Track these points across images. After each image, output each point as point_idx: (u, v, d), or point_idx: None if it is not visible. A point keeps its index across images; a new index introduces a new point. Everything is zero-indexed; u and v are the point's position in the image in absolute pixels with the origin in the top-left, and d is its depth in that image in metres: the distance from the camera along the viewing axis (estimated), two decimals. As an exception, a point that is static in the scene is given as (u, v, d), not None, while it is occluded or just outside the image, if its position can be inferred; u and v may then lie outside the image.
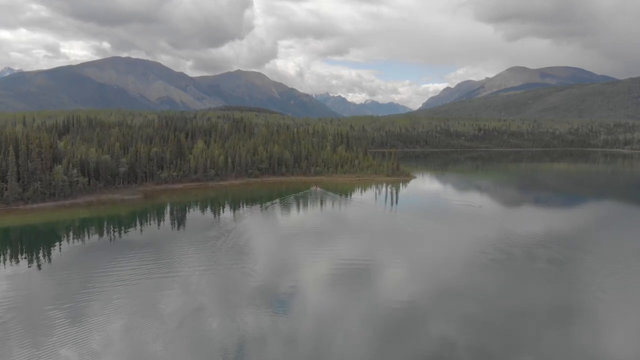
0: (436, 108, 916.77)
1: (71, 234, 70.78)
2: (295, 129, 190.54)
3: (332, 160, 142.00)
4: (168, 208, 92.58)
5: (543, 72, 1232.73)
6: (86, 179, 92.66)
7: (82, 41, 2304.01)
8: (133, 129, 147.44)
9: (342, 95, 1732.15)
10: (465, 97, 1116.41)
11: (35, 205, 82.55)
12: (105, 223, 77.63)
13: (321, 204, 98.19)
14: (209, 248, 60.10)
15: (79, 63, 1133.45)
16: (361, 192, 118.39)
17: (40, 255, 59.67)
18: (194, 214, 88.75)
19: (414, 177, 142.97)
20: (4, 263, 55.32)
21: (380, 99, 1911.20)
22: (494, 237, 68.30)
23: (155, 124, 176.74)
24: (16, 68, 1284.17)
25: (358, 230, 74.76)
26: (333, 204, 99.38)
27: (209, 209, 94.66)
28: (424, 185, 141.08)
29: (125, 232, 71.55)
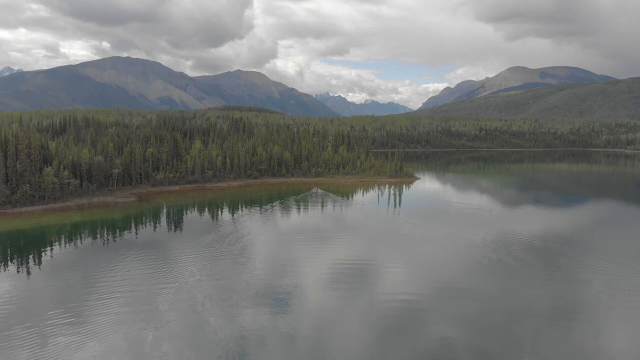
0: (436, 108, 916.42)
1: (61, 239, 67.11)
2: (296, 129, 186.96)
3: (334, 161, 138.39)
4: (163, 211, 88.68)
5: (543, 72, 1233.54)
6: (78, 181, 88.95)
7: (82, 41, 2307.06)
8: (130, 129, 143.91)
9: (342, 95, 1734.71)
10: (465, 97, 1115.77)
11: (23, 209, 78.86)
12: (97, 227, 73.97)
13: (323, 206, 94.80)
14: (207, 253, 57.57)
15: (78, 63, 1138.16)
16: (364, 194, 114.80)
17: (30, 261, 56.62)
18: (190, 218, 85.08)
19: (418, 179, 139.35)
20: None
21: (380, 98, 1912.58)
22: (509, 242, 65.55)
23: (153, 123, 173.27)
24: (16, 68, 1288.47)
25: (363, 237, 70.98)
26: (335, 206, 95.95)
27: (206, 212, 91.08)
28: (429, 187, 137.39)
29: (118, 237, 67.97)
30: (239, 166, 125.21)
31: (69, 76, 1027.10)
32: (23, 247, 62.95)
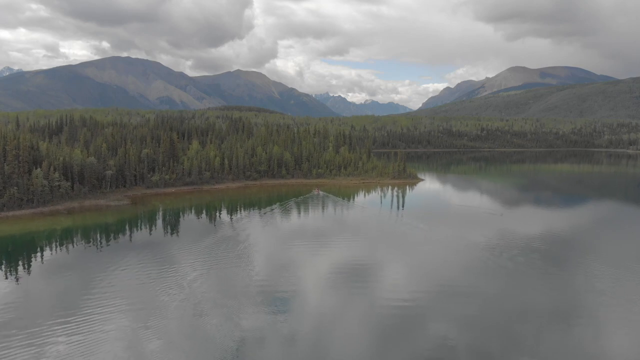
0: (436, 108, 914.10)
1: (51, 245, 63.69)
2: (296, 129, 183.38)
3: (335, 162, 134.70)
4: (158, 215, 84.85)
5: (543, 72, 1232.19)
6: (69, 184, 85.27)
7: (82, 41, 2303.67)
8: (127, 129, 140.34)
9: (342, 95, 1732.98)
10: (466, 97, 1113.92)
11: (10, 213, 75.07)
12: (88, 232, 70.31)
13: (325, 209, 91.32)
14: (204, 259, 54.72)
15: (78, 63, 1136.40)
16: (367, 196, 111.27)
17: (19, 268, 53.58)
18: (186, 222, 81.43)
19: (422, 180, 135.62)
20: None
21: (380, 98, 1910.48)
22: (516, 245, 63.35)
23: (150, 123, 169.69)
24: (16, 68, 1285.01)
25: (367, 241, 67.45)
26: (337, 209, 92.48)
27: (203, 215, 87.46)
28: (434, 189, 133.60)
29: (111, 242, 64.39)
30: (238, 167, 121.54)
31: (68, 76, 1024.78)
32: (11, 254, 59.63)
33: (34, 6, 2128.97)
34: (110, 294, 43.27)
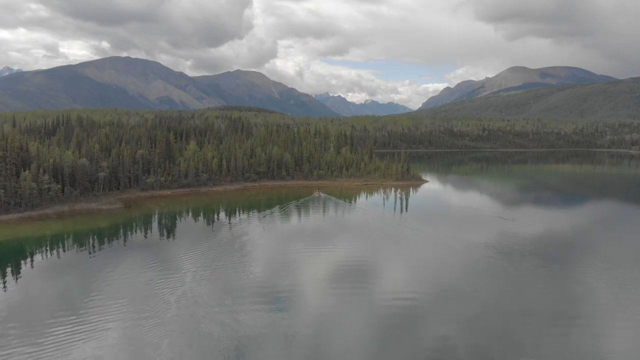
0: (436, 108, 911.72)
1: (40, 251, 60.10)
2: (296, 129, 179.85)
3: (336, 163, 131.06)
4: (152, 219, 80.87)
5: (543, 72, 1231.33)
6: (59, 186, 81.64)
7: (82, 41, 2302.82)
8: (123, 129, 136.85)
9: (342, 95, 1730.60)
10: (466, 97, 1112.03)
11: (-4, 218, 71.59)
12: (77, 238, 66.70)
13: (328, 213, 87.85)
14: (201, 266, 51.57)
15: (78, 63, 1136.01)
16: (371, 198, 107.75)
17: (6, 277, 50.26)
18: (181, 226, 77.74)
19: (426, 182, 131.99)
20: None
21: (380, 98, 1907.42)
22: (522, 247, 62.00)
23: (148, 123, 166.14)
24: (15, 68, 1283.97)
25: (374, 248, 63.69)
26: (341, 213, 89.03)
27: (199, 219, 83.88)
28: (439, 191, 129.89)
29: (101, 249, 60.73)
30: (236, 169, 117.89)
31: (68, 76, 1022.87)
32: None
33: (33, 6, 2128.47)
34: (103, 302, 41.67)
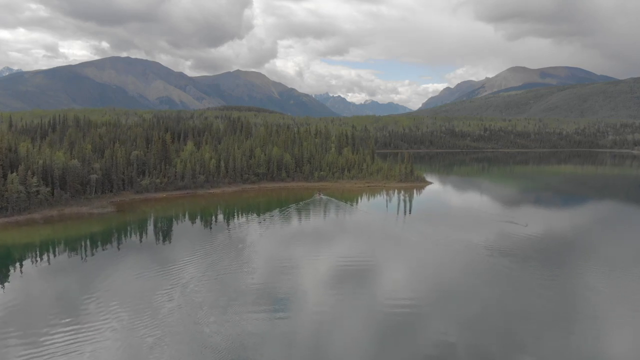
0: (436, 108, 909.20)
1: (24, 260, 56.43)
2: (296, 129, 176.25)
3: (338, 164, 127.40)
4: (144, 224, 76.53)
5: (543, 72, 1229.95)
6: (49, 189, 78.00)
7: (81, 41, 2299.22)
8: (120, 129, 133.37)
9: (342, 95, 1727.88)
10: (466, 97, 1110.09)
11: (-19, 223, 67.97)
12: (65, 245, 63.16)
13: (331, 216, 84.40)
14: (197, 275, 48.13)
15: (78, 63, 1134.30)
16: (374, 201, 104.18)
17: None
18: (175, 231, 74.13)
19: (430, 183, 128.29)
20: None
21: (380, 98, 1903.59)
22: (524, 249, 60.47)
23: (145, 123, 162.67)
24: (15, 68, 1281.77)
25: (384, 258, 60.23)
26: (345, 216, 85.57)
27: (196, 222, 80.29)
28: (444, 193, 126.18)
29: (88, 257, 57.13)
30: (235, 170, 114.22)
31: (68, 76, 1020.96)
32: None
33: (33, 6, 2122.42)
34: (97, 310, 40.00)
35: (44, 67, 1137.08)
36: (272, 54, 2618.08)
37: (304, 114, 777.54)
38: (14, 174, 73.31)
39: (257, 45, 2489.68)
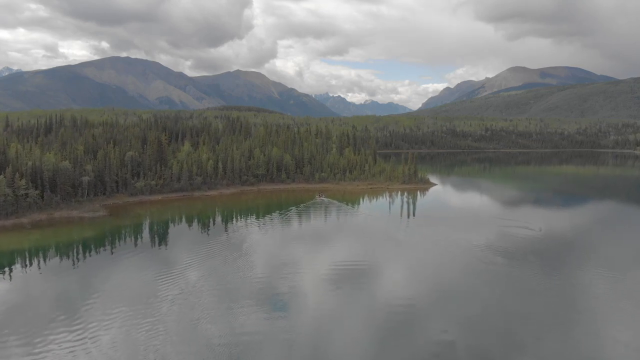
0: (437, 108, 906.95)
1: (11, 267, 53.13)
2: (296, 129, 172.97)
3: (339, 165, 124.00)
4: (135, 229, 72.58)
5: (543, 72, 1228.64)
6: (38, 192, 74.64)
7: (81, 41, 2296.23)
8: (117, 129, 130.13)
9: (342, 95, 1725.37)
10: (466, 97, 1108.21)
11: (-35, 228, 64.60)
12: (51, 252, 59.87)
13: (333, 220, 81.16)
14: (193, 287, 45.02)
15: (77, 63, 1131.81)
16: (377, 203, 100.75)
17: None
18: (171, 235, 70.82)
19: (434, 185, 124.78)
20: None
21: (380, 98, 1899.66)
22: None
23: (142, 124, 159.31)
24: (15, 68, 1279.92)
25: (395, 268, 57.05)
26: (346, 219, 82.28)
27: (192, 226, 76.92)
28: (451, 196, 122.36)
29: (79, 262, 53.90)
30: (233, 171, 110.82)
31: (68, 76, 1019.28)
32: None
33: (33, 6, 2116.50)
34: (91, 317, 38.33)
35: (44, 67, 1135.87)
36: (272, 54, 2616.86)
37: (303, 114, 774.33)
38: (1, 175, 69.97)
39: (257, 45, 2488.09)
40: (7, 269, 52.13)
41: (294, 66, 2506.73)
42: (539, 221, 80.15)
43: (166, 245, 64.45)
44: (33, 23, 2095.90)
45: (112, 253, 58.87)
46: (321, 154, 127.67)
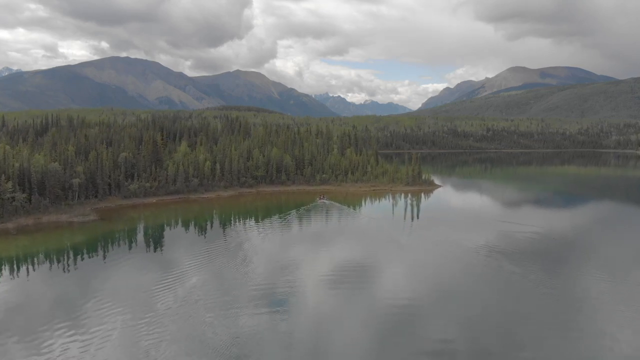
0: (437, 108, 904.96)
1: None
2: (296, 129, 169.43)
3: (341, 166, 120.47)
4: (126, 234, 69.01)
5: (543, 72, 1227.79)
6: (26, 195, 71.05)
7: (81, 41, 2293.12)
8: (113, 130, 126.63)
9: (342, 95, 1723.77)
10: (466, 97, 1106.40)
11: (-54, 233, 61.03)
12: (33, 261, 56.31)
13: (336, 223, 77.72)
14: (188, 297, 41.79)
15: (77, 63, 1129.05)
16: (381, 206, 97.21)
17: None
18: (166, 239, 67.22)
19: (439, 187, 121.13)
20: None
21: (380, 98, 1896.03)
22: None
23: (140, 123, 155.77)
24: (14, 68, 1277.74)
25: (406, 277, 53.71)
26: (352, 222, 78.88)
27: (187, 230, 73.42)
28: (455, 197, 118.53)
29: (57, 278, 50.35)
30: (231, 173, 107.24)
31: (67, 76, 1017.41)
32: None
33: (32, 6, 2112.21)
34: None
35: (44, 67, 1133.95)
36: (272, 54, 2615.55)
37: (303, 114, 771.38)
38: (-14, 178, 66.45)
39: (256, 45, 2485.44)
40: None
41: (293, 66, 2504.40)
42: (541, 221, 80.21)
43: (161, 249, 61.39)
44: (33, 23, 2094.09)
45: (104, 259, 55.58)
46: (322, 155, 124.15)
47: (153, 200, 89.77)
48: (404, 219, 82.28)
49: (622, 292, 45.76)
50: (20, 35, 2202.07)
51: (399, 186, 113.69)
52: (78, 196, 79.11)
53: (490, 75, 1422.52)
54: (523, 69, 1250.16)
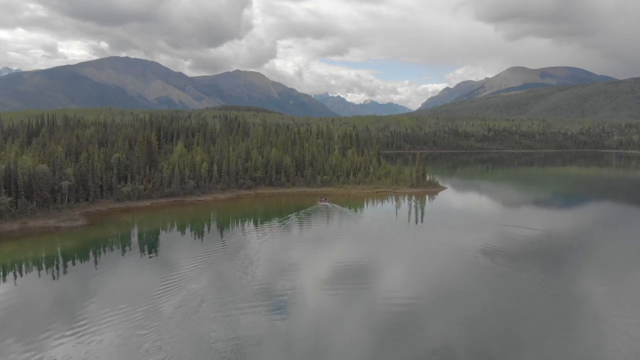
0: (436, 108, 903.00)
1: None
2: (296, 129, 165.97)
3: (342, 167, 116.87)
4: (116, 241, 65.02)
5: (543, 72, 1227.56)
6: (11, 199, 67.46)
7: (80, 41, 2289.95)
8: (109, 130, 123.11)
9: (342, 95, 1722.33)
10: (465, 97, 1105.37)
11: None
12: (25, 269, 52.78)
13: (338, 226, 74.28)
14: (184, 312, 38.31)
15: (77, 63, 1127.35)
16: (385, 209, 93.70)
17: None
18: (160, 245, 63.71)
19: (444, 188, 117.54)
20: None
21: (380, 99, 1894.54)
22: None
23: (137, 123, 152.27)
24: (14, 68, 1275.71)
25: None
26: (355, 226, 75.47)
27: (182, 235, 69.79)
28: (461, 200, 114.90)
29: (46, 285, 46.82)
30: (229, 174, 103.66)
31: (67, 76, 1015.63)
32: None
33: (32, 6, 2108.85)
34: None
35: (43, 67, 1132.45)
36: (272, 54, 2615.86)
37: (303, 114, 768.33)
38: (-32, 181, 62.90)
39: (256, 45, 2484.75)
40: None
41: (293, 66, 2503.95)
42: (543, 222, 79.74)
43: (155, 255, 58.47)
44: (32, 23, 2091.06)
45: (96, 266, 52.15)
46: (323, 156, 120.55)
47: (147, 203, 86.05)
48: (408, 222, 79.22)
49: (622, 293, 45.55)
50: (19, 35, 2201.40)
51: (403, 188, 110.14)
52: (68, 199, 75.46)
53: (490, 76, 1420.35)
54: (523, 69, 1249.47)
